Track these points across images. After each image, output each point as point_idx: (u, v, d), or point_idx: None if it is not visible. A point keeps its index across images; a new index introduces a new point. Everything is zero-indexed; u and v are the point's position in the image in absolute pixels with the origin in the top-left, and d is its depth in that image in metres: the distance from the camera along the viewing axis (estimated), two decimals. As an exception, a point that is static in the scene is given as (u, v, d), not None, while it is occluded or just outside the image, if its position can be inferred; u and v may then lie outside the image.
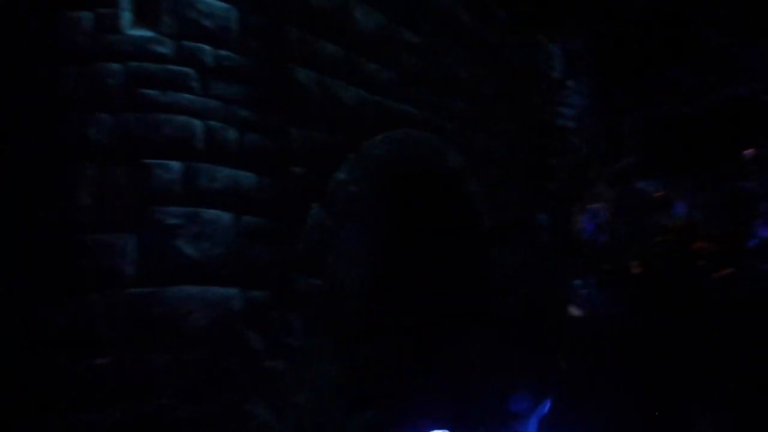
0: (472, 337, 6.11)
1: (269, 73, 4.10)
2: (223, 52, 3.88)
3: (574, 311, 9.78)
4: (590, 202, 15.33)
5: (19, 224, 3.43)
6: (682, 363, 7.63)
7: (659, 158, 14.67)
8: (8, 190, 3.48)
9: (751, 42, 5.82)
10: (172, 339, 3.50)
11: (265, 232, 3.89)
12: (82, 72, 3.53)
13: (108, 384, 3.26)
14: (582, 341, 9.01)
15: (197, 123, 3.70)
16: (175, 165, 3.60)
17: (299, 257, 4.10)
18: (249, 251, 3.77)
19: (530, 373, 6.75)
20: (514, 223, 7.10)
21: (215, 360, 3.60)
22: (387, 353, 5.51)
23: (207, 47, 3.82)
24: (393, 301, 5.91)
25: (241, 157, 3.86)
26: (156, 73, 3.64)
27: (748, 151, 12.78)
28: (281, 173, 4.07)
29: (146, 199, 3.48)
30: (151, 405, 3.30)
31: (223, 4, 3.88)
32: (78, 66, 3.54)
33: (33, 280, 3.35)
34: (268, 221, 3.92)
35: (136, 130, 3.53)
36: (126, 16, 3.63)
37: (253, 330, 3.76)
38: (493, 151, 6.62)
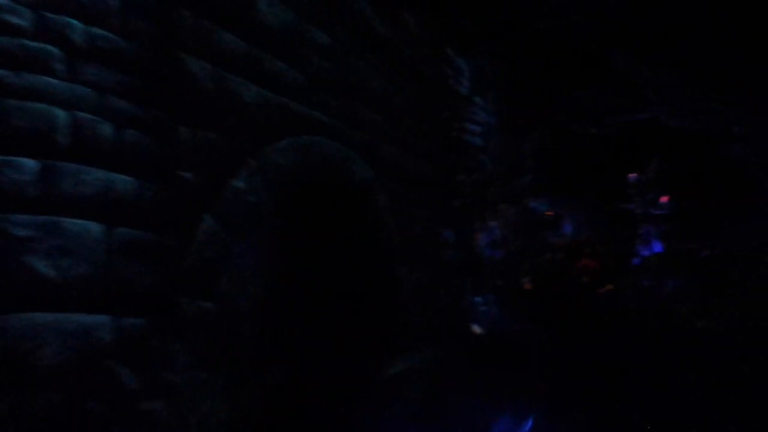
0: (384, 360, 5.72)
1: (155, 60, 3.50)
2: (97, 31, 3.23)
3: (476, 329, 9.72)
4: (491, 220, 15.73)
5: None
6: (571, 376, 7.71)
7: (553, 179, 15.37)
8: None
9: (658, 68, 6.08)
10: (17, 379, 2.78)
11: (144, 246, 3.26)
12: None
13: None
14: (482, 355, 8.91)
15: (60, 113, 3.02)
16: (29, 164, 2.90)
17: (187, 277, 3.50)
18: (123, 270, 3.13)
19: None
20: (422, 239, 6.86)
21: (75, 403, 2.91)
22: (290, 385, 4.97)
23: (77, 23, 3.16)
24: (295, 325, 5.40)
25: (118, 158, 3.22)
26: (7, 49, 2.93)
27: (632, 175, 13.68)
28: (167, 178, 3.46)
29: (-13, 204, 2.75)
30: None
31: (99, -26, 3.24)
32: None
33: None
34: (149, 234, 3.30)
35: (-24, 117, 2.80)
36: (-33, -25, 2.90)
37: (126, 365, 3.11)
38: (402, 165, 6.34)
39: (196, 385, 3.43)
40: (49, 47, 3.06)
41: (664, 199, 12.14)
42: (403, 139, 6.54)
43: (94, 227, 3.07)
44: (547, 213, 18.91)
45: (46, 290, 2.87)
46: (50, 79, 3.03)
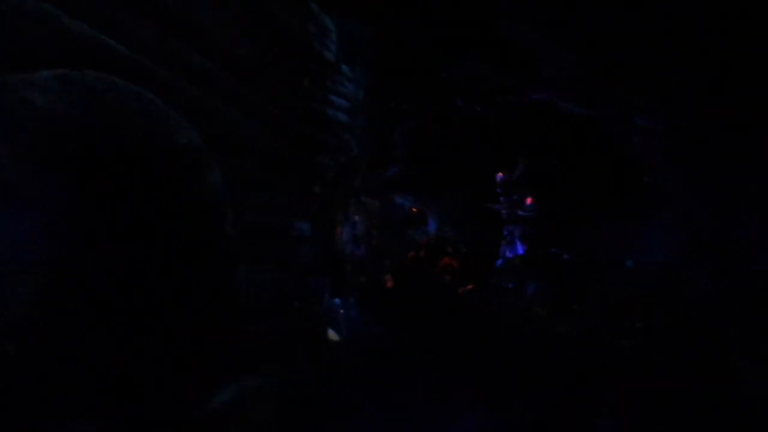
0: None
1: None
2: None
3: (334, 335, 8.52)
4: (355, 212, 14.76)
5: None
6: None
7: (422, 172, 14.72)
8: None
9: (558, 41, 5.32)
10: None
11: None
12: None
13: None
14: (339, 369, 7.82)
15: None
16: None
17: None
18: None
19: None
20: (272, 232, 5.49)
21: None
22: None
23: None
24: (79, 349, 3.76)
25: None
26: None
27: (500, 175, 13.40)
28: None
29: None
30: None
31: None
32: None
33: None
34: None
35: None
36: None
37: None
38: (248, 136, 4.93)
39: None
40: None
41: (529, 200, 11.86)
42: (252, 104, 5.12)
43: None
44: (412, 209, 18.62)
45: None
46: None
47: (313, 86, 6.09)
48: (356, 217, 15.52)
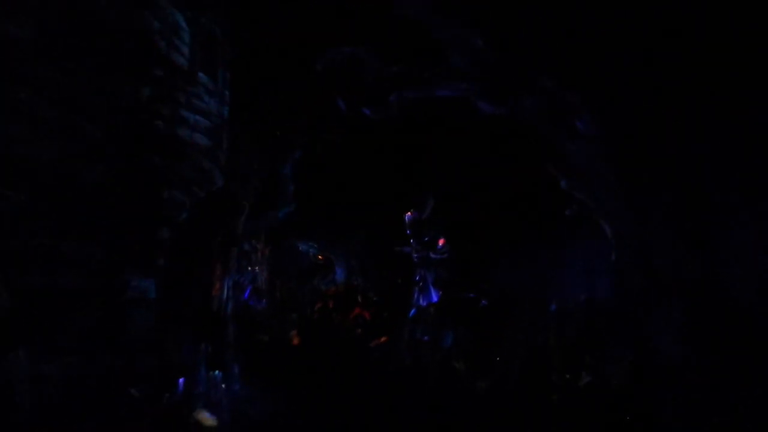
0: None
1: None
2: None
3: (210, 420, 6.77)
4: (244, 262, 12.43)
5: None
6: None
7: (321, 212, 13.35)
8: None
9: (466, 27, 4.13)
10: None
11: None
12: None
13: None
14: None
15: None
16: None
17: None
18: None
19: None
20: (83, 293, 3.81)
21: None
22: None
23: None
24: None
25: None
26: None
27: (408, 215, 12.32)
28: None
29: None
30: None
31: None
32: None
33: None
34: None
35: None
36: None
37: None
38: (35, 160, 3.31)
39: None
40: None
41: (441, 241, 10.82)
42: (48, 117, 3.52)
43: None
44: (318, 257, 17.28)
45: None
46: None
47: (158, 98, 4.58)
48: (254, 268, 14.08)
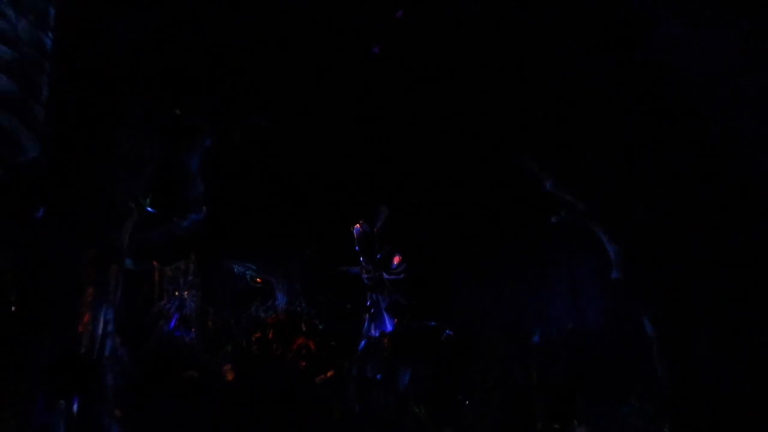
0: None
1: None
2: None
3: None
4: (169, 286, 11.52)
5: None
6: None
7: (251, 222, 11.73)
8: None
9: None
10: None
11: None
12: None
13: None
14: None
15: None
16: None
17: None
18: None
19: None
20: None
21: None
22: None
23: None
24: None
25: None
26: None
27: (357, 227, 10.77)
28: None
29: None
30: None
31: None
32: None
33: None
34: None
35: None
36: None
37: None
38: None
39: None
40: None
41: (396, 259, 9.76)
42: None
43: None
44: (256, 279, 15.72)
45: None
46: None
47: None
48: (185, 293, 12.52)
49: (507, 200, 6.98)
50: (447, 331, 8.36)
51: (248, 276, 15.10)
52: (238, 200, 9.81)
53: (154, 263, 11.84)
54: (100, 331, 5.20)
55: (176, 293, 12.22)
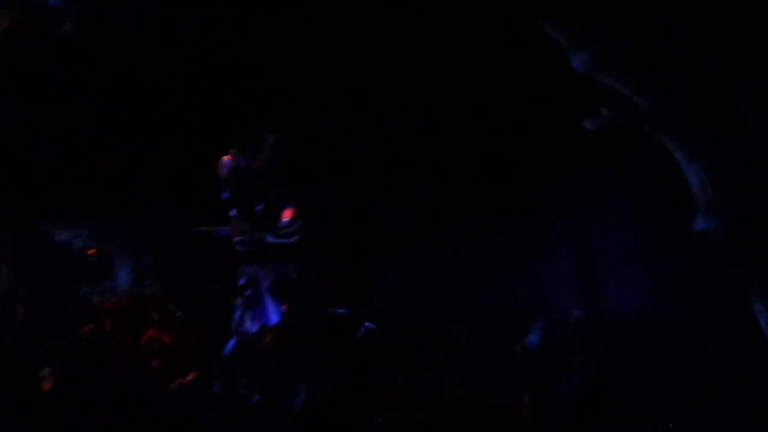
0: None
1: None
2: None
3: None
4: None
5: None
6: None
7: (83, 171, 9.07)
8: None
9: None
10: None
11: None
12: None
13: None
14: None
15: None
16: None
17: None
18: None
19: None
20: None
21: None
22: None
23: None
24: None
25: None
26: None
27: (226, 160, 7.92)
28: None
29: None
30: None
31: None
32: None
33: None
34: None
35: None
36: None
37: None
38: None
39: None
40: None
41: (288, 213, 7.25)
42: None
43: None
44: (88, 252, 13.47)
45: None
46: None
47: None
48: None
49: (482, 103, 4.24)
50: (366, 324, 5.73)
51: (79, 246, 13.22)
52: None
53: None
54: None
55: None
